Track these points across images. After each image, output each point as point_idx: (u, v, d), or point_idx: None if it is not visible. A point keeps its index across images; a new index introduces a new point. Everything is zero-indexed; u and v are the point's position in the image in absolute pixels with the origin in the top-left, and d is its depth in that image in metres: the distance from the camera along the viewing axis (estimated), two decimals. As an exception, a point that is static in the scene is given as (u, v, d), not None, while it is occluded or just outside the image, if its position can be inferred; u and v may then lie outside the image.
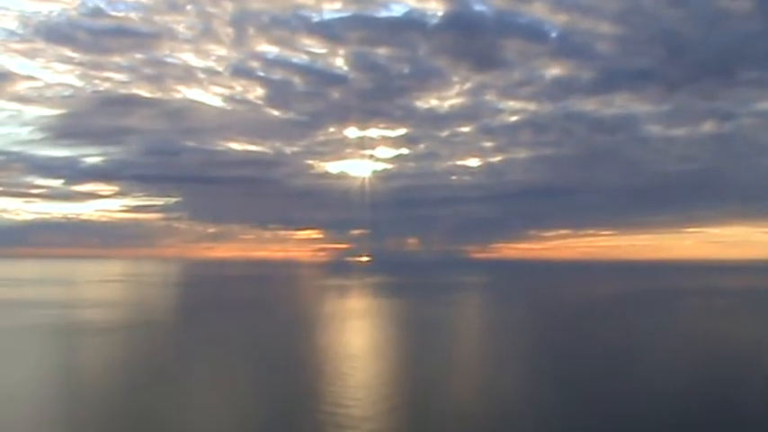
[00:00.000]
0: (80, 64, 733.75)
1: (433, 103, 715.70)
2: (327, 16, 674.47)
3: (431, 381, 66.50)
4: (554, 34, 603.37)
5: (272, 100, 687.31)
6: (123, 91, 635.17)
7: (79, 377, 69.37)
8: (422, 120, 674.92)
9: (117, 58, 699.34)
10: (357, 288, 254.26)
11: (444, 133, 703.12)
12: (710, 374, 72.00)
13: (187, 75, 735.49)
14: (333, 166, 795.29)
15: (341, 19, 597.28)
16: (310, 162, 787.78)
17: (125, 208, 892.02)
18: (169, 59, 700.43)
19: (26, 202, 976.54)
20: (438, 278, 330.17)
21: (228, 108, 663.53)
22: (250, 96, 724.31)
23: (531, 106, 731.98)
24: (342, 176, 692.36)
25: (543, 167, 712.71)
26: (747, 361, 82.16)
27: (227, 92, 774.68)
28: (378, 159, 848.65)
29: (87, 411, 53.72)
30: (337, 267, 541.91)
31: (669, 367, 75.91)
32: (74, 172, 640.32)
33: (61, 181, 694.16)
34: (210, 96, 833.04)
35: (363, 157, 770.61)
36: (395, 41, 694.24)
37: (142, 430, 48.89)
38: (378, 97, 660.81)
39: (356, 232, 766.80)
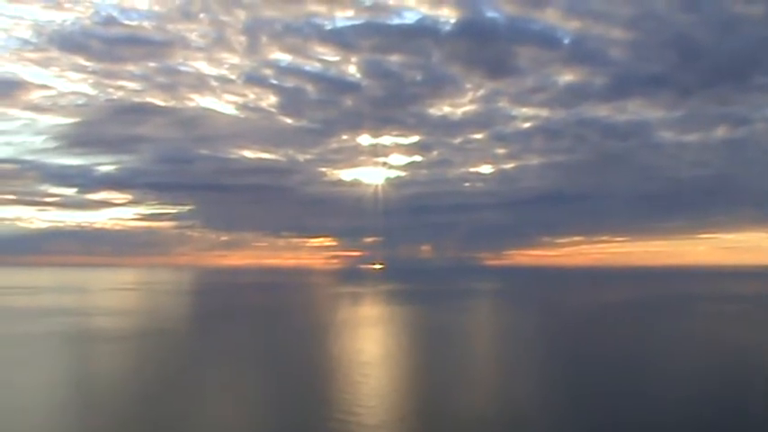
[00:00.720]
0: (93, 72, 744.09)
1: (446, 110, 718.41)
2: (340, 24, 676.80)
3: (444, 388, 66.44)
4: (567, 41, 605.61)
5: (284, 108, 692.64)
6: (136, 99, 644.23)
7: (93, 385, 69.72)
8: (435, 127, 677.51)
9: (130, 67, 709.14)
10: (370, 295, 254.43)
11: (457, 140, 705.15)
12: (723, 380, 71.35)
13: (200, 83, 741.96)
14: (346, 174, 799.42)
15: (353, 27, 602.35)
16: (323, 170, 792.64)
17: (138, 216, 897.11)
18: (182, 68, 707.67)
19: (40, 210, 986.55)
20: (451, 285, 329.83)
21: (241, 116, 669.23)
22: (263, 104, 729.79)
23: (544, 113, 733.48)
24: (355, 184, 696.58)
25: (556, 174, 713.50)
26: (760, 367, 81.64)
27: (240, 100, 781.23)
28: (391, 167, 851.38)
29: (100, 419, 54.04)
30: (350, 275, 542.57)
31: (682, 373, 75.38)
32: (87, 180, 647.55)
33: (75, 189, 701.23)
34: (223, 104, 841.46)
35: (376, 165, 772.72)
36: (407, 49, 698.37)
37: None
38: (391, 104, 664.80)
39: (369, 240, 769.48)
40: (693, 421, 53.26)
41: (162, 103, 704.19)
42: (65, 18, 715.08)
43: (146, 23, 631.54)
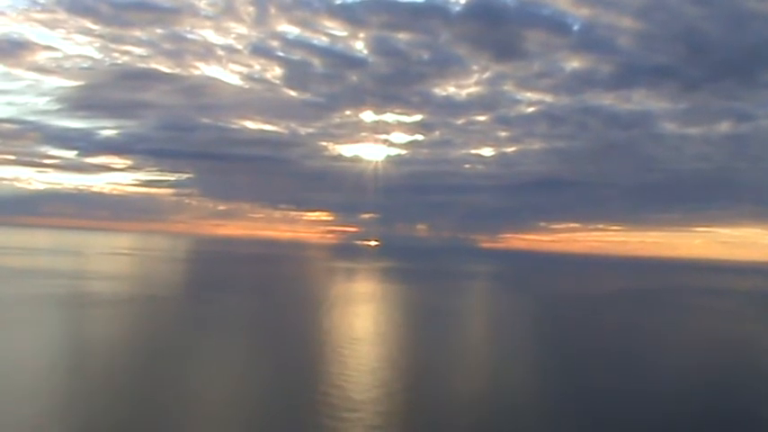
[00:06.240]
0: (100, 36, 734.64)
1: (451, 90, 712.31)
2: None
3: (431, 367, 66.83)
4: (576, 27, 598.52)
5: (289, 80, 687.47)
6: (142, 65, 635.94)
7: (80, 347, 70.14)
8: (438, 107, 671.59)
9: (137, 32, 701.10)
10: (364, 272, 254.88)
11: (460, 121, 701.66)
12: (713, 375, 72.03)
13: (206, 51, 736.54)
14: (347, 149, 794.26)
15: (363, 2, 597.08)
16: (324, 144, 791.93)
17: (137, 182, 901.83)
18: (189, 35, 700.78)
19: (39, 171, 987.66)
20: (445, 265, 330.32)
21: (246, 86, 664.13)
22: (268, 76, 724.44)
23: (549, 98, 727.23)
24: (355, 160, 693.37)
25: (557, 160, 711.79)
26: (750, 363, 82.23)
27: (245, 70, 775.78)
28: (392, 144, 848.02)
29: (86, 380, 54.46)
30: (345, 250, 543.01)
31: (672, 366, 75.97)
32: (88, 144, 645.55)
33: (75, 152, 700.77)
34: (228, 74, 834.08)
35: (378, 142, 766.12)
36: (416, 27, 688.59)
37: (141, 399, 49.43)
38: (396, 82, 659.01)
39: (366, 216, 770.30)
40: (680, 413, 53.72)
41: (167, 70, 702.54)
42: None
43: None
